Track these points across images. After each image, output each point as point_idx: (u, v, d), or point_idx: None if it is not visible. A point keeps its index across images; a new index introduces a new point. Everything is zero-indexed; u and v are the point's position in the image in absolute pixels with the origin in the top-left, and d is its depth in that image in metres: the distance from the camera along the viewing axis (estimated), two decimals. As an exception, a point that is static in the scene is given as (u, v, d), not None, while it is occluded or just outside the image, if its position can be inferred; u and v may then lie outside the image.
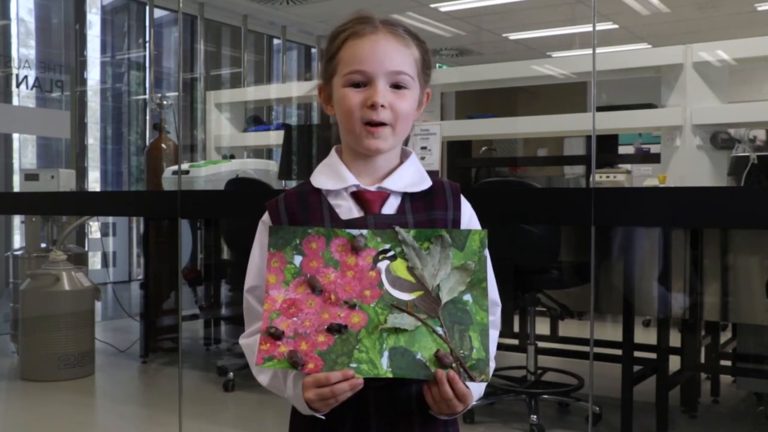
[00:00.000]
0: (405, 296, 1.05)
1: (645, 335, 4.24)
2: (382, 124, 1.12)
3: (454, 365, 1.03)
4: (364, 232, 1.07)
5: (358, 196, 1.14)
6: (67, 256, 4.29)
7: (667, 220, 2.43)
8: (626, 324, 3.04)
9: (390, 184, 1.15)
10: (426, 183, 1.17)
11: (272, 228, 1.09)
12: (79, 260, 4.73)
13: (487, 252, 1.09)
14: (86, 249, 5.76)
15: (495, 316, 1.18)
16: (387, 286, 1.06)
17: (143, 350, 4.54)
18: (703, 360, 3.63)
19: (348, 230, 1.08)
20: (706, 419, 3.40)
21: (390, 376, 1.02)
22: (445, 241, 1.07)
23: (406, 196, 1.16)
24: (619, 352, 3.19)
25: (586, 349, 3.43)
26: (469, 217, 1.20)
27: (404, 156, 1.20)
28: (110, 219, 6.34)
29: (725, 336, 3.96)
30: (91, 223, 6.05)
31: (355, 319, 1.04)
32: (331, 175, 1.16)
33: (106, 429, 3.52)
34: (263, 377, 1.14)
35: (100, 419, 3.69)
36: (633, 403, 3.01)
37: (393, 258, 1.07)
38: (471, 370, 1.03)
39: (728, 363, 3.67)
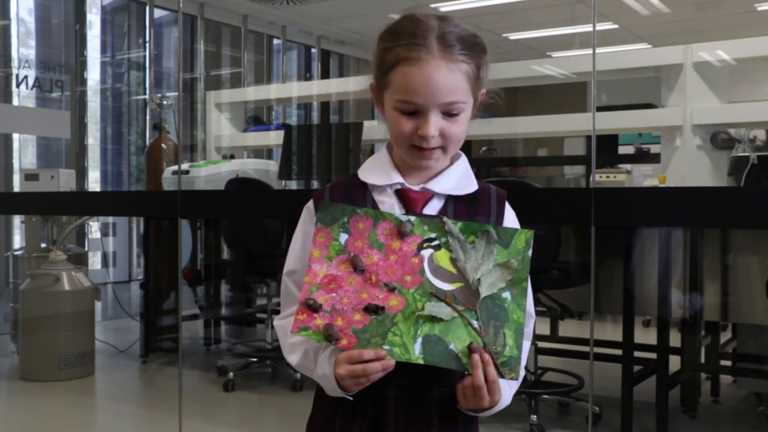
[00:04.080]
0: (445, 286, 1.06)
1: (645, 335, 4.24)
2: (433, 148, 1.12)
3: (479, 355, 1.03)
4: (412, 218, 1.08)
5: (402, 194, 1.15)
6: (67, 256, 4.29)
7: (667, 220, 2.43)
8: (626, 324, 3.04)
9: (434, 185, 1.15)
10: (472, 187, 1.17)
11: (323, 204, 1.10)
12: (79, 260, 4.73)
13: (530, 254, 1.09)
14: (86, 249, 5.76)
15: (528, 328, 1.17)
16: (428, 273, 1.06)
17: (143, 350, 4.54)
18: (703, 360, 3.63)
19: (396, 215, 1.09)
20: (706, 419, 3.40)
21: (421, 362, 1.02)
22: (491, 237, 1.08)
23: (450, 199, 1.16)
24: (619, 352, 3.19)
25: (586, 349, 3.42)
26: (512, 226, 1.19)
27: (455, 157, 1.20)
28: (110, 219, 6.33)
29: (725, 336, 3.96)
30: (91, 223, 6.05)
31: (393, 302, 1.05)
32: (379, 171, 1.17)
33: (106, 429, 3.52)
34: (294, 356, 1.15)
35: (100, 419, 3.69)
36: (633, 403, 3.01)
37: (437, 247, 1.07)
38: (502, 367, 1.04)
39: (728, 363, 3.67)
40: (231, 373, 3.91)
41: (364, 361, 1.02)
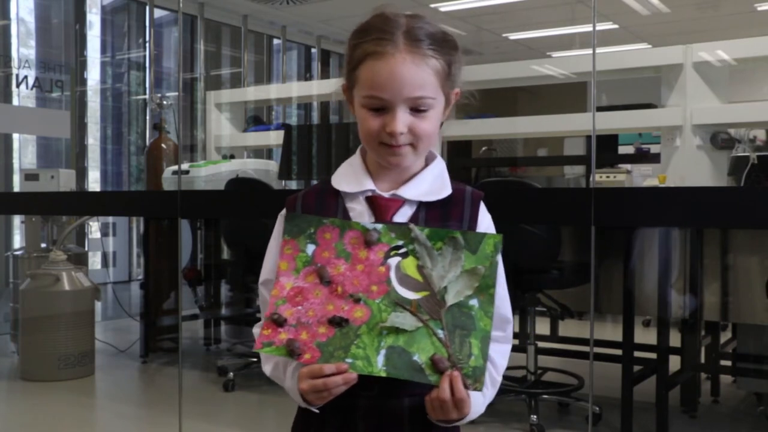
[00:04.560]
0: (411, 295, 1.04)
1: (645, 335, 4.24)
2: (402, 145, 1.10)
3: (449, 371, 1.01)
4: (379, 226, 1.07)
5: (372, 201, 1.13)
6: (67, 256, 4.28)
7: (667, 220, 2.43)
8: (626, 324, 3.04)
9: (405, 191, 1.13)
10: (445, 191, 1.15)
11: (289, 215, 1.10)
12: (79, 260, 4.73)
13: (500, 258, 1.07)
14: (86, 249, 5.76)
15: (505, 333, 1.15)
16: (395, 282, 1.05)
17: (143, 350, 4.54)
18: (703, 360, 3.63)
19: (363, 223, 1.07)
20: (706, 419, 3.40)
21: (383, 374, 1.00)
22: (458, 243, 1.06)
23: (422, 205, 1.13)
24: (619, 352, 3.19)
25: (586, 349, 3.42)
26: (485, 230, 1.17)
27: (430, 159, 1.18)
28: (110, 219, 6.34)
29: (725, 336, 3.96)
30: (91, 223, 6.05)
31: (358, 313, 1.03)
32: (350, 177, 1.15)
33: (106, 429, 3.52)
34: (267, 367, 1.15)
35: (100, 419, 3.68)
36: (633, 403, 3.01)
37: (404, 255, 1.06)
38: (466, 378, 1.01)
39: (728, 363, 3.66)
40: (231, 373, 3.91)
41: (325, 375, 1.01)
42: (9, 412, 3.73)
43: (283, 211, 1.18)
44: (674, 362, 3.24)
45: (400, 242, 1.06)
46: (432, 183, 1.15)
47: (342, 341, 1.02)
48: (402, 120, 1.08)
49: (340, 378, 1.00)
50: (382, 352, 1.01)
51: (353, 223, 1.08)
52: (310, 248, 1.07)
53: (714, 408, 3.57)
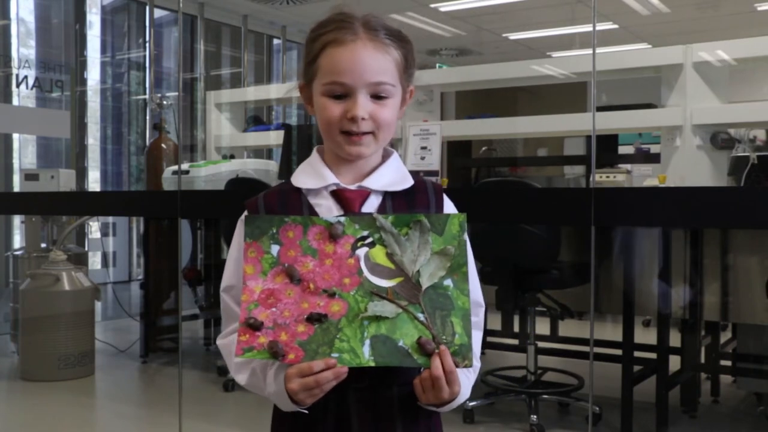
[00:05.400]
0: (385, 283, 1.04)
1: (645, 335, 4.24)
2: (364, 133, 1.11)
3: (436, 351, 1.02)
4: (342, 219, 1.06)
5: (338, 195, 1.13)
6: (67, 256, 4.29)
7: (667, 220, 2.43)
8: (626, 324, 3.04)
9: (370, 183, 1.14)
10: (407, 182, 1.16)
11: (248, 217, 1.08)
12: (79, 260, 4.73)
13: (467, 237, 1.07)
14: (86, 249, 5.76)
15: (478, 318, 1.16)
16: (366, 273, 1.04)
17: (143, 350, 4.54)
18: (703, 360, 3.63)
19: (325, 218, 1.07)
20: (706, 419, 3.40)
21: (372, 364, 1.00)
22: (424, 226, 1.06)
23: (387, 195, 1.15)
24: (619, 352, 3.19)
25: (586, 349, 3.43)
26: None
27: (386, 155, 1.19)
28: (110, 219, 6.34)
29: (725, 336, 3.96)
30: (91, 223, 6.06)
31: (335, 307, 1.03)
32: (312, 174, 1.16)
33: (106, 429, 3.52)
34: (241, 376, 1.13)
35: (100, 419, 3.69)
36: (633, 403, 3.01)
37: (372, 245, 1.05)
38: (454, 356, 1.02)
39: (728, 363, 3.67)
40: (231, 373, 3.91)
41: (314, 372, 1.00)
42: (9, 412, 3.73)
43: (243, 216, 1.16)
44: (674, 362, 3.24)
45: (366, 232, 1.06)
46: (394, 174, 1.16)
47: (324, 337, 1.01)
48: (363, 105, 1.09)
49: (331, 373, 1.00)
50: (367, 342, 1.01)
51: (316, 219, 1.07)
52: (275, 249, 1.05)
53: (714, 408, 3.57)
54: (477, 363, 1.13)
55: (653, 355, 3.28)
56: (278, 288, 1.04)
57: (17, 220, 5.75)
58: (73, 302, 4.14)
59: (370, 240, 1.05)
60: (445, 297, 1.04)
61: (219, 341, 1.19)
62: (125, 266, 6.76)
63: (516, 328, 4.01)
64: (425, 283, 1.04)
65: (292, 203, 1.14)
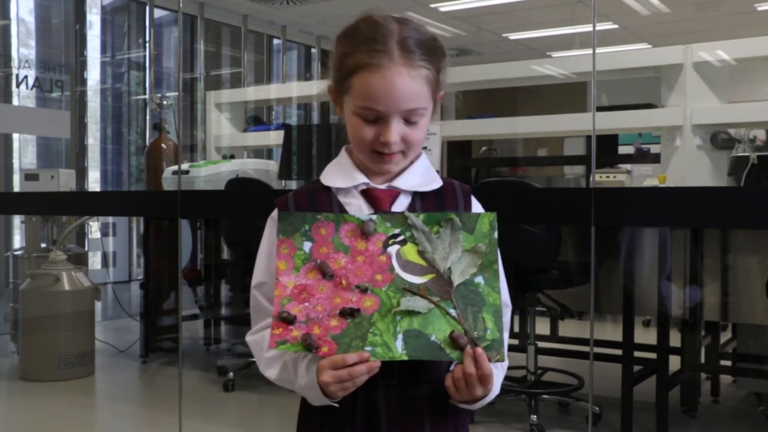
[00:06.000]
0: (416, 280, 1.05)
1: (645, 335, 4.24)
2: (394, 153, 1.12)
3: (469, 346, 1.03)
4: (374, 217, 1.08)
5: (368, 194, 1.14)
6: (67, 256, 4.29)
7: (667, 220, 2.43)
8: (626, 324, 3.04)
9: (400, 182, 1.15)
10: (436, 183, 1.17)
11: (282, 214, 1.09)
12: (79, 260, 4.73)
13: (496, 236, 1.08)
14: (86, 249, 5.76)
15: (506, 318, 1.16)
16: (398, 270, 1.05)
17: (143, 350, 4.54)
18: (703, 360, 3.63)
19: (357, 215, 1.08)
20: (706, 419, 3.40)
21: (405, 358, 1.01)
22: (455, 225, 1.07)
23: (417, 195, 1.16)
24: (619, 352, 3.19)
25: (586, 349, 3.43)
26: None
27: (415, 156, 1.19)
28: (110, 219, 6.34)
29: (725, 336, 3.96)
30: (91, 223, 6.06)
31: (368, 302, 1.04)
32: (341, 174, 1.17)
33: (106, 429, 3.52)
34: (272, 371, 1.13)
35: (100, 419, 3.69)
36: (633, 403, 3.01)
37: (403, 242, 1.07)
38: (487, 351, 1.03)
39: (728, 363, 3.67)
40: (231, 373, 3.91)
41: (348, 365, 1.00)
42: (9, 412, 3.73)
43: (274, 213, 1.17)
44: (674, 362, 3.24)
45: (397, 230, 1.07)
46: (423, 175, 1.17)
47: (357, 331, 1.02)
48: (396, 131, 1.10)
49: (365, 366, 1.00)
50: (399, 336, 1.02)
51: (348, 216, 1.08)
52: (307, 245, 1.07)
53: (714, 408, 3.57)
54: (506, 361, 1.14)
55: (653, 355, 3.28)
56: (311, 284, 1.05)
57: (17, 220, 5.75)
58: (73, 302, 4.14)
59: (401, 238, 1.07)
60: (476, 294, 1.05)
61: (248, 337, 1.20)
62: (125, 266, 6.76)
63: (516, 328, 4.02)
64: (456, 279, 1.06)
65: (322, 202, 1.15)
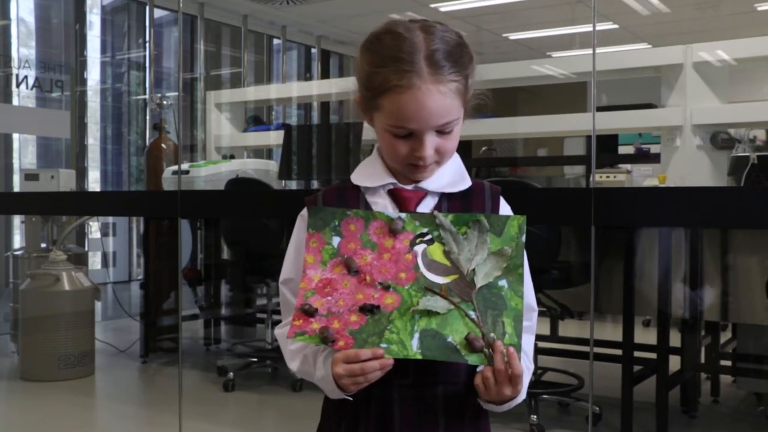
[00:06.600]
0: (440, 280, 1.06)
1: (645, 335, 4.24)
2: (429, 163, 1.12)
3: (485, 350, 1.02)
4: (403, 215, 1.09)
5: (395, 194, 1.15)
6: (67, 256, 4.29)
7: (667, 220, 2.43)
8: (626, 324, 3.04)
9: (427, 183, 1.15)
10: (465, 183, 1.17)
11: (312, 209, 1.10)
12: (79, 260, 4.73)
13: (524, 239, 1.09)
14: (86, 249, 5.76)
15: (531, 322, 1.16)
16: (423, 269, 1.06)
17: (143, 350, 4.54)
18: (703, 360, 3.63)
19: (387, 213, 1.09)
20: (706, 419, 3.40)
21: (419, 357, 1.01)
22: (483, 226, 1.07)
23: (444, 197, 1.16)
24: (619, 352, 3.19)
25: (586, 349, 3.42)
26: None
27: None
28: (110, 219, 6.34)
29: (725, 336, 3.96)
30: (91, 223, 6.05)
31: (389, 300, 1.04)
32: (370, 173, 1.17)
33: (106, 429, 3.52)
34: (294, 363, 1.15)
35: (100, 419, 3.69)
36: (633, 403, 3.01)
37: (430, 242, 1.07)
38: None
39: (728, 363, 3.67)
40: (231, 373, 3.91)
41: (361, 360, 1.01)
42: (9, 412, 3.73)
43: (303, 211, 1.18)
44: (674, 362, 3.24)
45: (425, 230, 1.08)
46: (453, 176, 1.17)
47: (375, 327, 1.03)
48: (430, 144, 1.09)
49: (377, 363, 1.01)
50: (416, 335, 1.02)
51: (377, 214, 1.09)
52: (336, 240, 1.08)
53: (714, 408, 3.58)
54: (531, 365, 1.14)
55: (653, 355, 3.28)
56: (336, 278, 1.07)
57: (17, 220, 5.75)
58: (73, 302, 4.14)
59: (429, 237, 1.08)
60: (498, 297, 1.05)
61: (277, 330, 1.22)
62: (125, 266, 6.76)
63: (516, 328, 4.01)
64: (479, 282, 1.06)
65: (350, 200, 1.16)
